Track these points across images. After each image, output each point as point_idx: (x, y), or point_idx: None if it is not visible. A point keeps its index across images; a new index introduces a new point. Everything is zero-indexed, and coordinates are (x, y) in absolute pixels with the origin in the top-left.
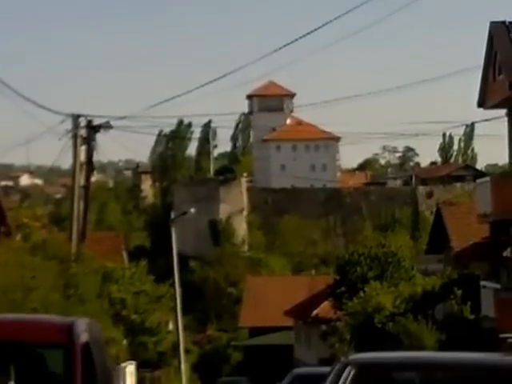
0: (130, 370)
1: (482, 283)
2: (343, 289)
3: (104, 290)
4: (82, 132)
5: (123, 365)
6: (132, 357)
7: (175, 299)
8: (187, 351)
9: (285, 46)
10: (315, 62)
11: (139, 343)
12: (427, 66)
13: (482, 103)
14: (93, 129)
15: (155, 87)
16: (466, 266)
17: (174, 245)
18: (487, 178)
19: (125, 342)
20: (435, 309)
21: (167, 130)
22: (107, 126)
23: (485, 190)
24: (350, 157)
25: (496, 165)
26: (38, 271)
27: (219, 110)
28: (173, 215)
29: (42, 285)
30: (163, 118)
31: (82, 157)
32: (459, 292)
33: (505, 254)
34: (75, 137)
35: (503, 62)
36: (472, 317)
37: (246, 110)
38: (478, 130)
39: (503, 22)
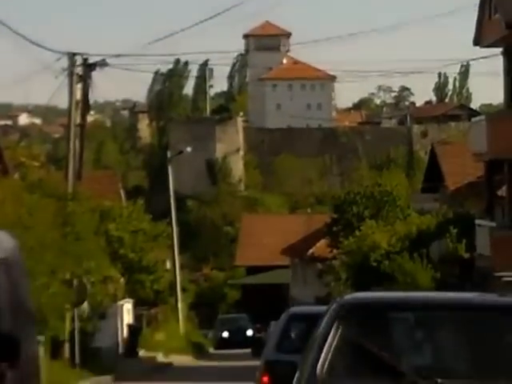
0: (126, 307)
1: (477, 221)
2: (340, 227)
3: (101, 228)
4: (78, 70)
5: (120, 303)
6: (129, 295)
7: (172, 238)
8: (184, 290)
9: None
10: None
11: (136, 281)
12: (424, 3)
13: (477, 42)
14: (89, 67)
15: (152, 25)
16: (462, 204)
17: (170, 184)
18: (482, 117)
19: (122, 280)
20: (430, 247)
21: (164, 69)
22: (103, 64)
23: (480, 129)
24: (345, 96)
25: (490, 104)
26: (35, 209)
27: (216, 48)
28: (169, 154)
29: (39, 223)
30: (159, 55)
31: (78, 95)
32: (455, 231)
33: (499, 192)
34: (71, 75)
35: (499, 1)
36: (467, 255)
37: (243, 50)
38: (474, 67)
39: None
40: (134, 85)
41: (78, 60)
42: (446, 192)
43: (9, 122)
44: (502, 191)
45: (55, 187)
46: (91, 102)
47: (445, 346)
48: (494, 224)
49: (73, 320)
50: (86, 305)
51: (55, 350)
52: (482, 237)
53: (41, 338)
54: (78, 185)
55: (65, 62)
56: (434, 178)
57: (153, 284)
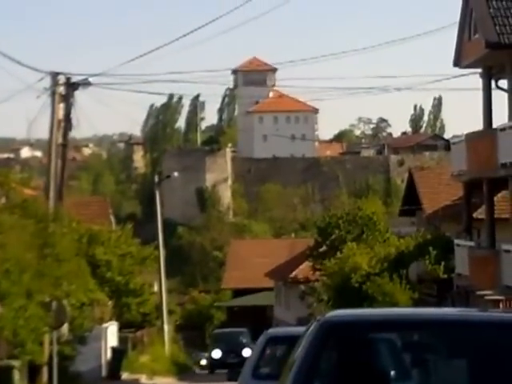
0: (111, 330)
1: (456, 241)
2: (324, 249)
3: (89, 251)
4: (61, 90)
5: (105, 325)
6: (117, 318)
7: (159, 260)
8: (170, 312)
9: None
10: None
11: (123, 304)
12: (403, 25)
13: (457, 63)
14: (71, 86)
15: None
16: (438, 227)
17: (158, 207)
18: (462, 137)
19: (110, 303)
20: (409, 268)
21: (158, 104)
22: (86, 83)
23: (460, 150)
24: (327, 128)
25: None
26: (14, 230)
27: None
28: (157, 178)
29: (17, 243)
30: (142, 75)
31: (61, 115)
32: (434, 252)
33: (475, 215)
34: (53, 94)
35: (478, 21)
36: (445, 276)
37: (232, 85)
38: (452, 89)
39: None
40: (130, 114)
41: (61, 80)
42: (422, 215)
43: (11, 155)
44: (477, 214)
45: (37, 208)
46: (91, 137)
47: (434, 366)
48: (472, 243)
49: (51, 343)
50: (65, 328)
51: (33, 374)
52: (460, 256)
53: (16, 362)
54: (60, 205)
55: (47, 82)
56: (411, 202)
57: (139, 307)
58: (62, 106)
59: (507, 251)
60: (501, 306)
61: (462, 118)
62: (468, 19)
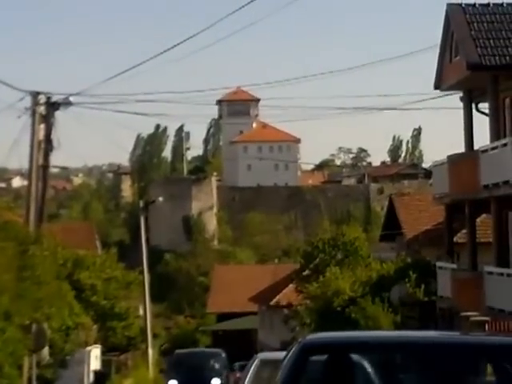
0: (94, 353)
1: (439, 264)
2: (307, 272)
3: (65, 273)
4: (41, 109)
5: (88, 349)
6: (102, 342)
7: (143, 284)
8: (155, 336)
9: None
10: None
11: (109, 328)
12: (385, 46)
13: (438, 85)
14: (52, 106)
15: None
16: (418, 251)
17: (142, 231)
18: (444, 159)
19: (95, 327)
20: (391, 291)
21: (145, 134)
22: (66, 103)
23: (442, 172)
24: (309, 158)
25: None
26: None
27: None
28: (141, 203)
29: None
30: (124, 95)
31: (41, 135)
32: (414, 276)
33: (455, 239)
34: (33, 114)
35: (460, 42)
36: (425, 299)
37: (217, 115)
38: (433, 108)
39: (459, 4)
40: (119, 143)
41: (41, 100)
42: (402, 240)
43: (3, 185)
44: (457, 238)
45: (18, 230)
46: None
47: None
48: (455, 266)
49: (31, 367)
50: (46, 351)
51: None
52: (443, 279)
53: None
54: (41, 228)
55: (28, 102)
56: (391, 227)
57: (124, 330)
58: (42, 126)
59: (490, 273)
60: (487, 326)
61: (439, 149)
62: (449, 41)
